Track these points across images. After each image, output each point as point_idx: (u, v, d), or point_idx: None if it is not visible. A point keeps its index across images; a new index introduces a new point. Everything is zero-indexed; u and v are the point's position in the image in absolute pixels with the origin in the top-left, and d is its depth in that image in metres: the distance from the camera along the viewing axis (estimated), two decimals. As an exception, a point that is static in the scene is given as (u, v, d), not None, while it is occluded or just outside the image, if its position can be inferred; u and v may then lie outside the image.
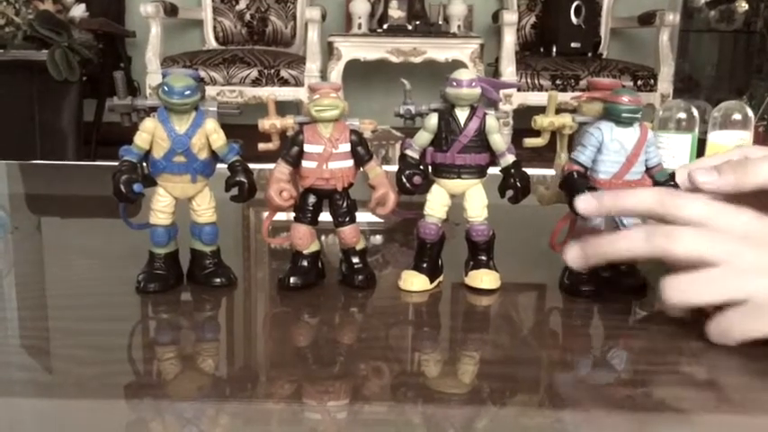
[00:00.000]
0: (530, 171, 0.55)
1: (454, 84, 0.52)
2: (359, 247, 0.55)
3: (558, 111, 0.55)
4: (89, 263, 0.61)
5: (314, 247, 0.55)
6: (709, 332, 0.46)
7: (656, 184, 0.53)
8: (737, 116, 0.84)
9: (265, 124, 0.54)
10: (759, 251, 0.45)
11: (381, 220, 0.72)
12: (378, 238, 0.71)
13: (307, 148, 0.52)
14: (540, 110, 0.55)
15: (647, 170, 0.53)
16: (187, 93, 0.50)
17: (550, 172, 0.61)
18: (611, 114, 0.52)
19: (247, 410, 0.39)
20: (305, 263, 0.54)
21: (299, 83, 3.00)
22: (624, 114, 0.51)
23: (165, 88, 0.50)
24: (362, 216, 0.56)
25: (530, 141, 0.55)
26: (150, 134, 0.51)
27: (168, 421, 0.39)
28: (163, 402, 0.40)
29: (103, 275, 0.58)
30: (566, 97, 0.53)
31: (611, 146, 0.52)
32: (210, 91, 2.88)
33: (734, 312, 0.45)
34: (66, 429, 0.38)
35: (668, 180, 0.53)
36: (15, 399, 0.40)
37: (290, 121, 0.54)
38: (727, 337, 0.46)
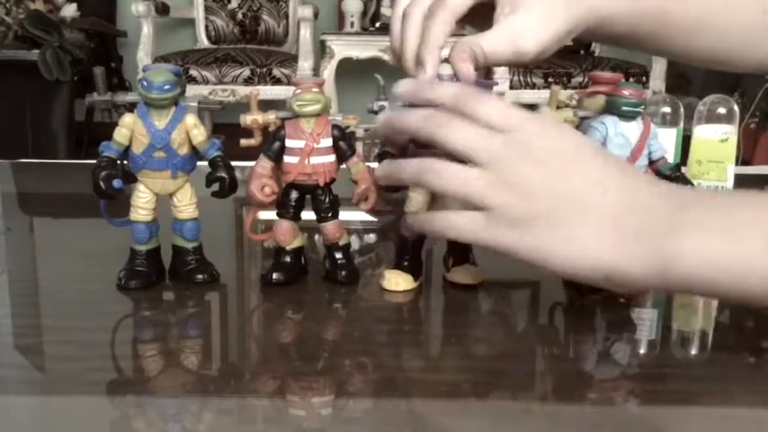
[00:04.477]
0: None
1: (434, 78, 0.51)
2: (342, 242, 0.55)
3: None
4: (75, 260, 0.61)
5: (297, 243, 0.54)
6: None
7: (661, 176, 0.52)
8: (722, 110, 0.84)
9: (247, 119, 0.53)
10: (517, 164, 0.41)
11: (370, 218, 0.72)
12: (362, 235, 0.71)
13: (288, 143, 0.52)
14: (533, 108, 0.54)
15: (651, 163, 0.53)
16: (166, 87, 0.50)
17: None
18: (613, 108, 0.51)
19: (230, 407, 0.39)
20: (288, 258, 0.54)
21: (291, 82, 2.99)
22: (624, 108, 0.51)
23: (145, 83, 0.49)
24: (350, 214, 0.56)
25: None
26: (130, 130, 0.51)
27: (151, 417, 0.39)
28: (146, 398, 0.40)
29: (89, 273, 0.58)
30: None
31: (615, 140, 0.51)
32: (202, 90, 2.87)
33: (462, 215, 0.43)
34: (50, 426, 0.38)
35: (674, 172, 0.53)
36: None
37: (271, 117, 0.53)
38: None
